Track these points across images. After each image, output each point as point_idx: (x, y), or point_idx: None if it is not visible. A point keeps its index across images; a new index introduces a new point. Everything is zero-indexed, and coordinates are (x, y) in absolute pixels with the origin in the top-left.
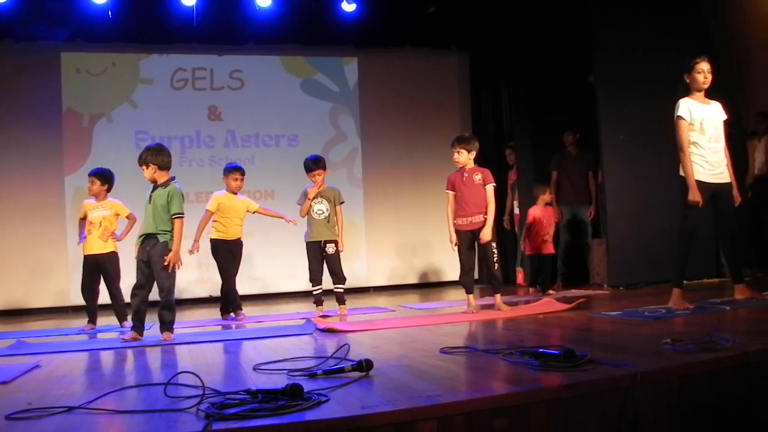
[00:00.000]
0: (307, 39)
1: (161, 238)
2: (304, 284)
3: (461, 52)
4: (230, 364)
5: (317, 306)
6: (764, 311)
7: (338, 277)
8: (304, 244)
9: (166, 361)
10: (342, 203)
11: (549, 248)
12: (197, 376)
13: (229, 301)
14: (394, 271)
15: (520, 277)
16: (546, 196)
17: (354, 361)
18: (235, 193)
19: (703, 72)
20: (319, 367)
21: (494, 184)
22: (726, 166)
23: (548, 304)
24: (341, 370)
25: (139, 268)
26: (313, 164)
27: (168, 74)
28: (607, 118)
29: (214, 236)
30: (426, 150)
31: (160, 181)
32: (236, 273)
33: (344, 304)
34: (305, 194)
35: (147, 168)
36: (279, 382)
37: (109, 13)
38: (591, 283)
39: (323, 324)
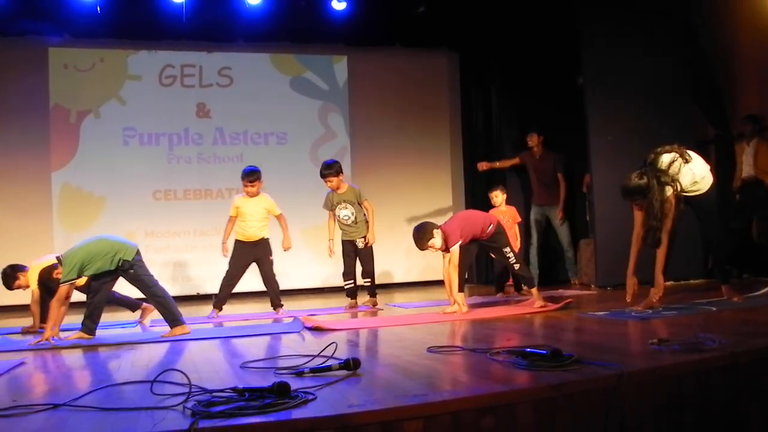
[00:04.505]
0: (297, 37)
1: None
2: (290, 282)
3: (451, 51)
4: (217, 362)
5: (350, 299)
6: (750, 312)
7: (365, 271)
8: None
9: (153, 358)
10: (366, 200)
11: None
12: (184, 373)
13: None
14: (383, 269)
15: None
16: (494, 199)
17: (341, 359)
18: (252, 196)
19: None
20: (306, 365)
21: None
22: (700, 180)
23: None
24: (328, 368)
25: None
26: (324, 169)
27: (156, 71)
28: (595, 118)
29: (236, 237)
30: (415, 149)
31: None
32: (272, 272)
33: (373, 296)
34: (328, 200)
35: None
36: (266, 380)
37: (98, 8)
38: (567, 283)
39: (310, 322)
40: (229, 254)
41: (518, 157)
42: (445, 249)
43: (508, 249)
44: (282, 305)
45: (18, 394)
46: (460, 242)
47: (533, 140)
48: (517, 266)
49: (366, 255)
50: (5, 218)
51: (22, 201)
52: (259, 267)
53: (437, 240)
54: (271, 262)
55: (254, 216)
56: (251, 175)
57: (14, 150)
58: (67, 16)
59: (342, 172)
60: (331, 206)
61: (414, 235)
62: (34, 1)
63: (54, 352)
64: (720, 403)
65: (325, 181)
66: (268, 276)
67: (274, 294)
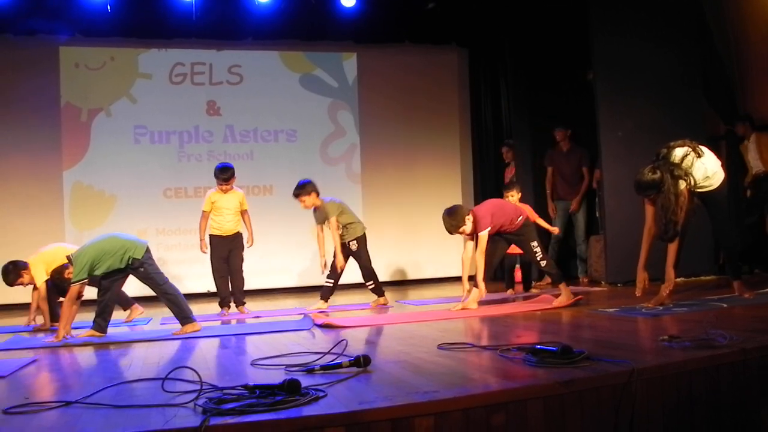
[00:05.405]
0: (307, 34)
1: None
2: (300, 280)
3: (461, 48)
4: (228, 360)
5: (321, 299)
6: (761, 309)
7: (364, 275)
8: (300, 240)
9: (164, 356)
10: (330, 219)
11: (513, 248)
12: (195, 371)
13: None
14: (393, 266)
15: (518, 275)
16: (510, 199)
17: (351, 356)
18: (225, 192)
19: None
20: (316, 362)
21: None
22: (712, 175)
23: (546, 300)
24: (339, 365)
25: None
26: (295, 189)
27: (167, 69)
28: (605, 114)
29: (211, 232)
30: (425, 146)
31: None
32: (239, 265)
33: (380, 296)
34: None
35: None
36: (276, 377)
37: (108, 7)
38: (575, 277)
39: (320, 319)
40: (208, 251)
41: (547, 167)
42: (471, 235)
43: (535, 243)
44: (245, 303)
45: (30, 391)
46: (489, 228)
47: (560, 135)
48: (543, 262)
49: (359, 258)
50: (17, 217)
51: (34, 199)
52: (228, 259)
53: (468, 226)
54: (241, 258)
55: (230, 210)
56: (225, 172)
57: (26, 149)
58: (77, 15)
59: (316, 191)
60: (317, 223)
61: (445, 219)
62: (44, 1)
63: (66, 349)
64: (730, 399)
65: (298, 201)
66: (236, 270)
67: (238, 291)
